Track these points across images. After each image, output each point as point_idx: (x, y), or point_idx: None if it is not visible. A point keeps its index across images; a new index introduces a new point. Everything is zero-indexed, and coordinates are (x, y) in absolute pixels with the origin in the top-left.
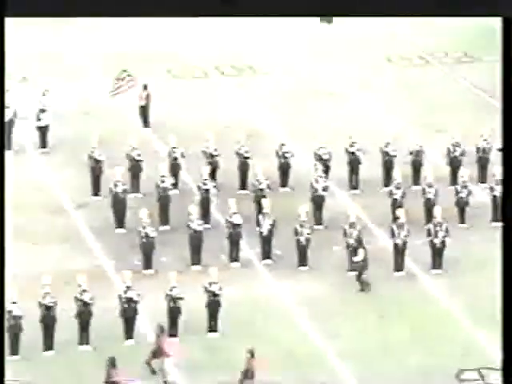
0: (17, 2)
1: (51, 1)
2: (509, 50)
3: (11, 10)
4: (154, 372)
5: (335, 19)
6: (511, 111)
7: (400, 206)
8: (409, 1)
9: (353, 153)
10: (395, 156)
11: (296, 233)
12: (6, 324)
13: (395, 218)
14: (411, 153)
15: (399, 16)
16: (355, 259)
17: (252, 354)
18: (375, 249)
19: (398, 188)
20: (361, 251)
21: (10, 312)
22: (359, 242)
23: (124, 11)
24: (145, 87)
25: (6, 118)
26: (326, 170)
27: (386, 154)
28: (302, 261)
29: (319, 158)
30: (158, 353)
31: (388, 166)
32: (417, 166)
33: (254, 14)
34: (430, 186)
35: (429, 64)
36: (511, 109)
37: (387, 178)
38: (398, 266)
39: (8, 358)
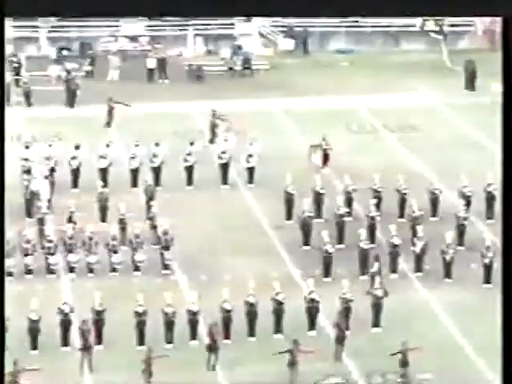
0: (17, 2)
1: (51, 1)
2: (508, 50)
3: (11, 10)
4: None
5: (478, 88)
6: (511, 112)
7: None
8: (408, 1)
9: (489, 191)
10: None
11: (442, 252)
12: (220, 316)
13: None
14: None
15: (399, 16)
16: (371, 270)
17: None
18: None
19: None
20: (376, 264)
21: (222, 308)
22: (491, 264)
23: (124, 11)
24: (323, 139)
25: (223, 160)
26: (468, 203)
27: None
28: (447, 274)
29: (462, 195)
30: (340, 337)
31: None
32: None
33: (253, 14)
34: None
35: None
36: (511, 109)
37: None
38: None
39: (224, 342)
